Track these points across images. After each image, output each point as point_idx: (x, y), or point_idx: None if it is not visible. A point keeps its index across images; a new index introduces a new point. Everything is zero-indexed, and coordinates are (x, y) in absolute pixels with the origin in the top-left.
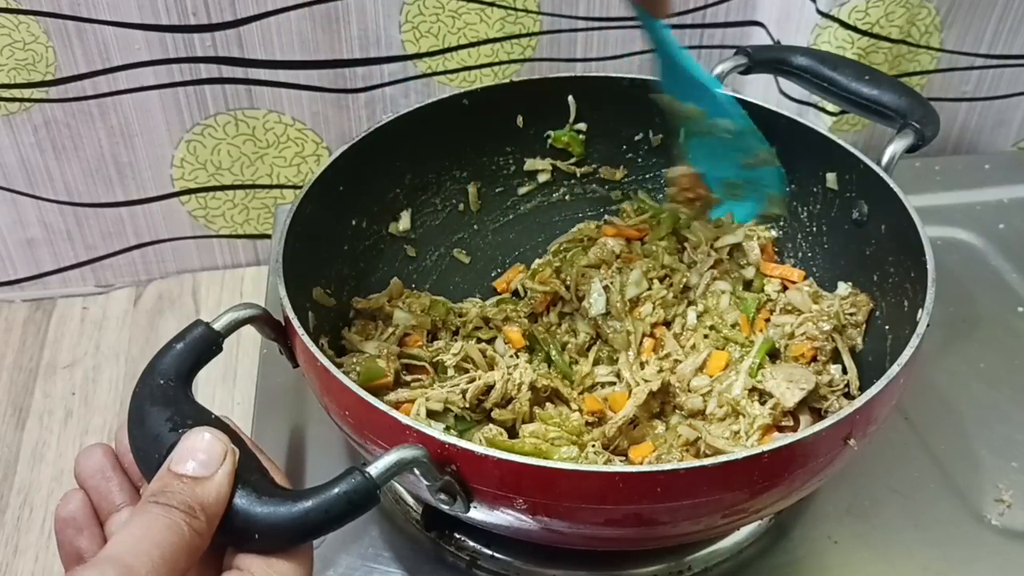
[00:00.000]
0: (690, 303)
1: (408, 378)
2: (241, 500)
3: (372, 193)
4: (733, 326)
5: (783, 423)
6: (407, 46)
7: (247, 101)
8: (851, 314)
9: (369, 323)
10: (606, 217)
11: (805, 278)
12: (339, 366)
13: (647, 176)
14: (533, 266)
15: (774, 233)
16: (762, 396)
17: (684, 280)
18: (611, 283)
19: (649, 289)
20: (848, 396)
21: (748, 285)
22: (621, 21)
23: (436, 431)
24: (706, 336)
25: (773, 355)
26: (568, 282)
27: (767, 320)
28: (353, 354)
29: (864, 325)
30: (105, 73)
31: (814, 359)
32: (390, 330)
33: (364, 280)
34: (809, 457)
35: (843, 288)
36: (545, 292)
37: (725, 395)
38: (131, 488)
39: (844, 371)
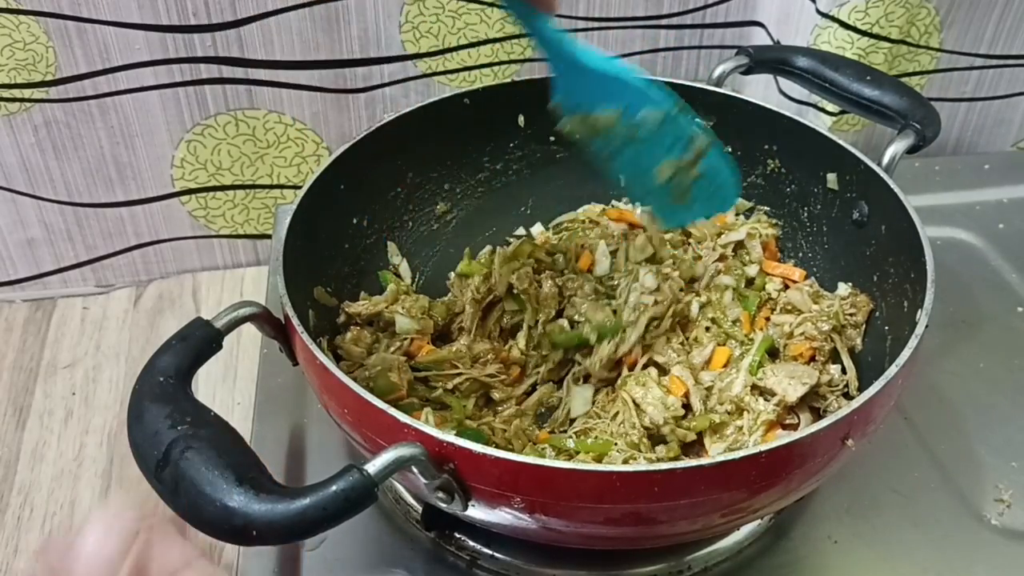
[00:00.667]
0: (695, 294)
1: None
2: (239, 497)
3: (373, 192)
4: (734, 322)
5: (787, 420)
6: (407, 46)
7: (247, 101)
8: (851, 315)
9: (364, 329)
10: (613, 202)
11: (806, 278)
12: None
13: None
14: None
15: (776, 231)
16: (764, 393)
17: (691, 272)
18: (619, 247)
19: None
20: (847, 396)
21: (750, 283)
22: (621, 21)
23: (434, 429)
24: (707, 329)
25: (772, 354)
26: (567, 252)
27: (767, 319)
28: (365, 367)
29: (864, 326)
30: (105, 73)
31: (812, 359)
32: (396, 343)
33: (365, 278)
34: (807, 457)
35: (843, 289)
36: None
37: (726, 392)
38: None
39: (843, 371)
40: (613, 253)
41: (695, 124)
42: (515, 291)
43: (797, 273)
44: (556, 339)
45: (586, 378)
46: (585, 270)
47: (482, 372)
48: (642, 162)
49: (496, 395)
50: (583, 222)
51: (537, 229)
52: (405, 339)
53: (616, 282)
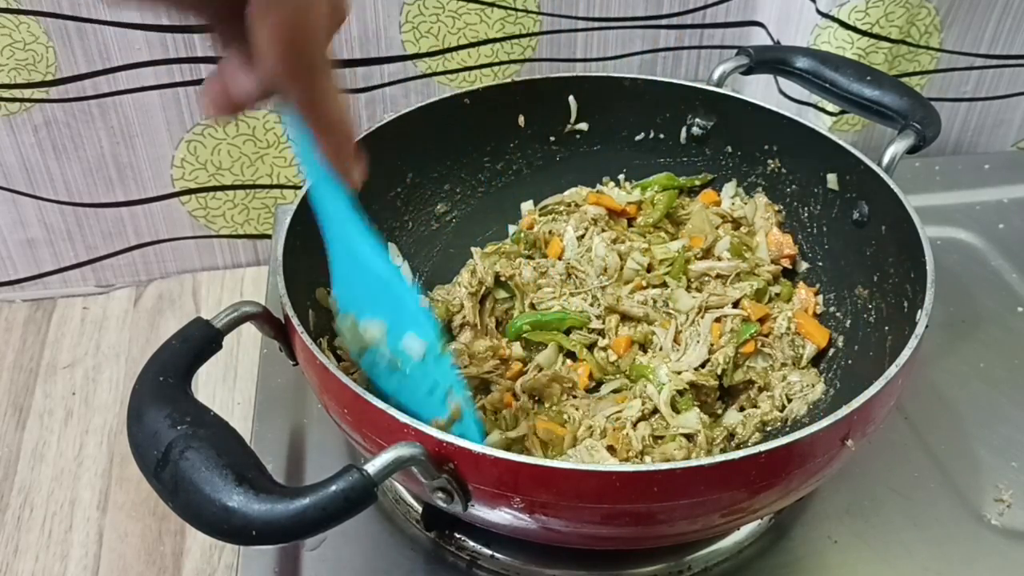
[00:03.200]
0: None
1: None
2: (238, 498)
3: (373, 192)
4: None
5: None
6: (407, 46)
7: None
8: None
9: None
10: (599, 187)
11: (817, 294)
12: (350, 373)
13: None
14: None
15: (780, 217)
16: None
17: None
18: (587, 231)
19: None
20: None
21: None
22: (621, 21)
23: (434, 429)
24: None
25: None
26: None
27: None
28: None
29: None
30: (105, 73)
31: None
32: None
33: None
34: (807, 457)
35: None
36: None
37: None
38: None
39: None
40: (580, 238)
41: (455, 375)
42: (502, 278)
43: (808, 294)
44: (508, 331)
45: None
46: (555, 257)
47: (481, 370)
48: (403, 398)
49: (495, 389)
50: (568, 205)
51: (527, 206)
52: None
53: (583, 268)
